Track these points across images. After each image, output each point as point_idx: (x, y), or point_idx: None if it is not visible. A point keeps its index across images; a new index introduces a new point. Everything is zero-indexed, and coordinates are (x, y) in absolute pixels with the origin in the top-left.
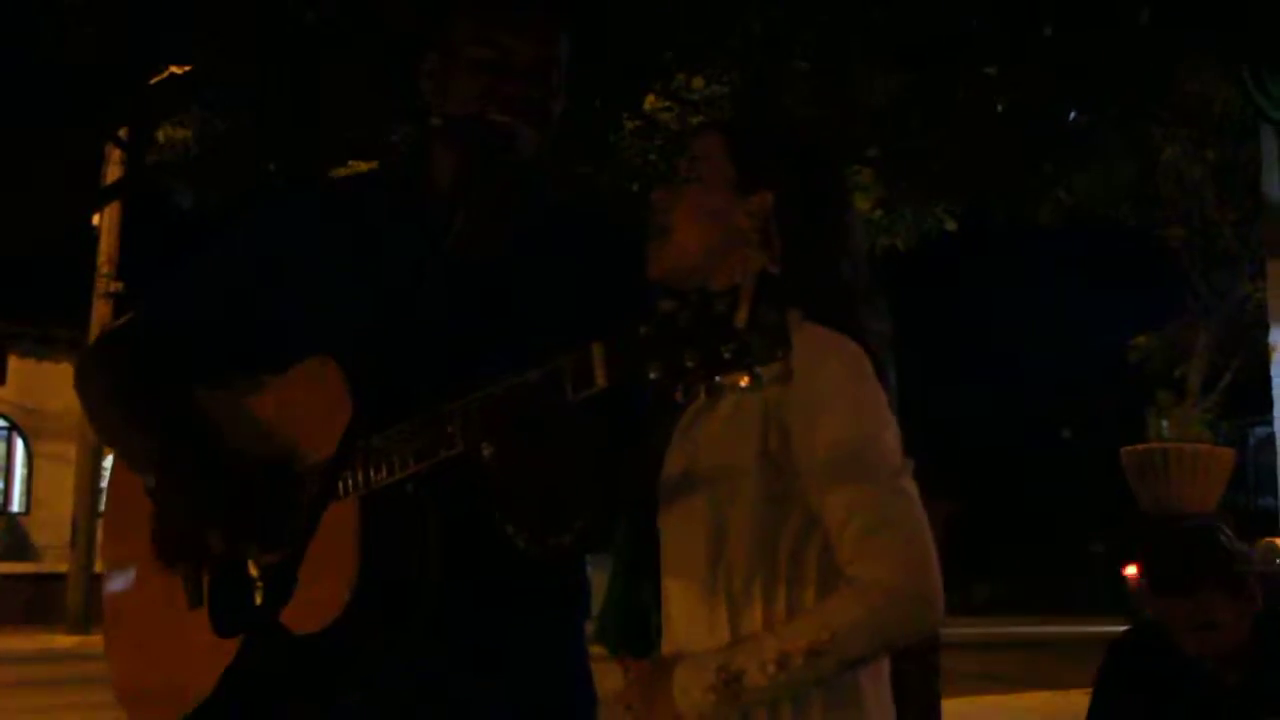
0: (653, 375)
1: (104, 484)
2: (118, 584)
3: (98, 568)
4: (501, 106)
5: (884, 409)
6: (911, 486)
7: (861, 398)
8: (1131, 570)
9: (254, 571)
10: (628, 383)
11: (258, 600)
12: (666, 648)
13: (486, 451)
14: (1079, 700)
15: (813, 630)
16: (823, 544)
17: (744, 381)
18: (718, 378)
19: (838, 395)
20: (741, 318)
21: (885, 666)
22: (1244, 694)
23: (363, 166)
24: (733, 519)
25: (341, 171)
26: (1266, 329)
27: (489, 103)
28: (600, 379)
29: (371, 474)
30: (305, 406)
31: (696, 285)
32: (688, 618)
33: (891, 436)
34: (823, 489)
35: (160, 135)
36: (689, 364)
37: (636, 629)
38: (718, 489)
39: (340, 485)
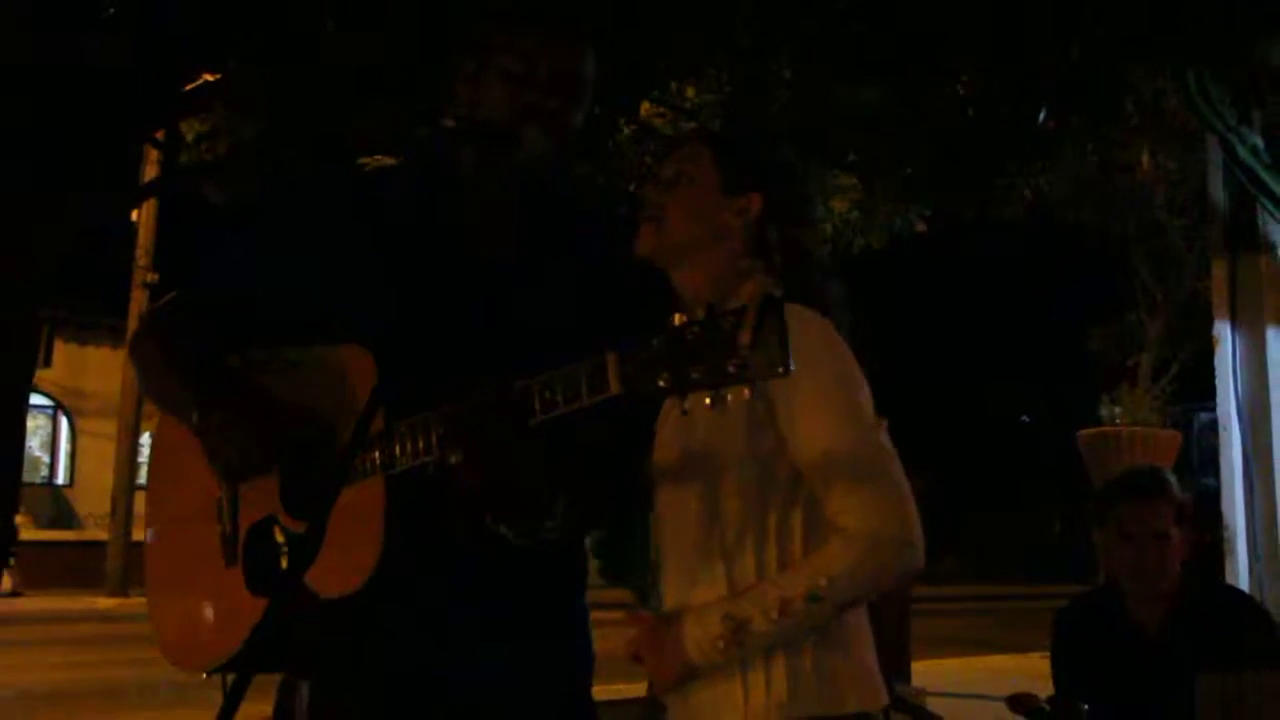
0: (662, 384)
1: (141, 459)
2: (160, 544)
3: (136, 535)
4: (523, 114)
5: (857, 373)
6: (887, 440)
7: (836, 364)
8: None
9: (280, 537)
10: (639, 390)
11: (284, 564)
12: (668, 604)
13: (454, 459)
14: (1039, 663)
15: (810, 578)
16: (808, 498)
17: (745, 393)
18: (720, 389)
19: (815, 363)
20: (745, 337)
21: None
22: (1166, 646)
23: (386, 161)
24: (724, 482)
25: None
26: (1211, 322)
27: (514, 109)
28: (614, 386)
29: (397, 455)
30: (340, 391)
31: (678, 268)
32: (686, 575)
33: (864, 396)
34: (807, 447)
35: (188, 133)
36: (695, 376)
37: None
38: (710, 457)
39: (369, 464)
